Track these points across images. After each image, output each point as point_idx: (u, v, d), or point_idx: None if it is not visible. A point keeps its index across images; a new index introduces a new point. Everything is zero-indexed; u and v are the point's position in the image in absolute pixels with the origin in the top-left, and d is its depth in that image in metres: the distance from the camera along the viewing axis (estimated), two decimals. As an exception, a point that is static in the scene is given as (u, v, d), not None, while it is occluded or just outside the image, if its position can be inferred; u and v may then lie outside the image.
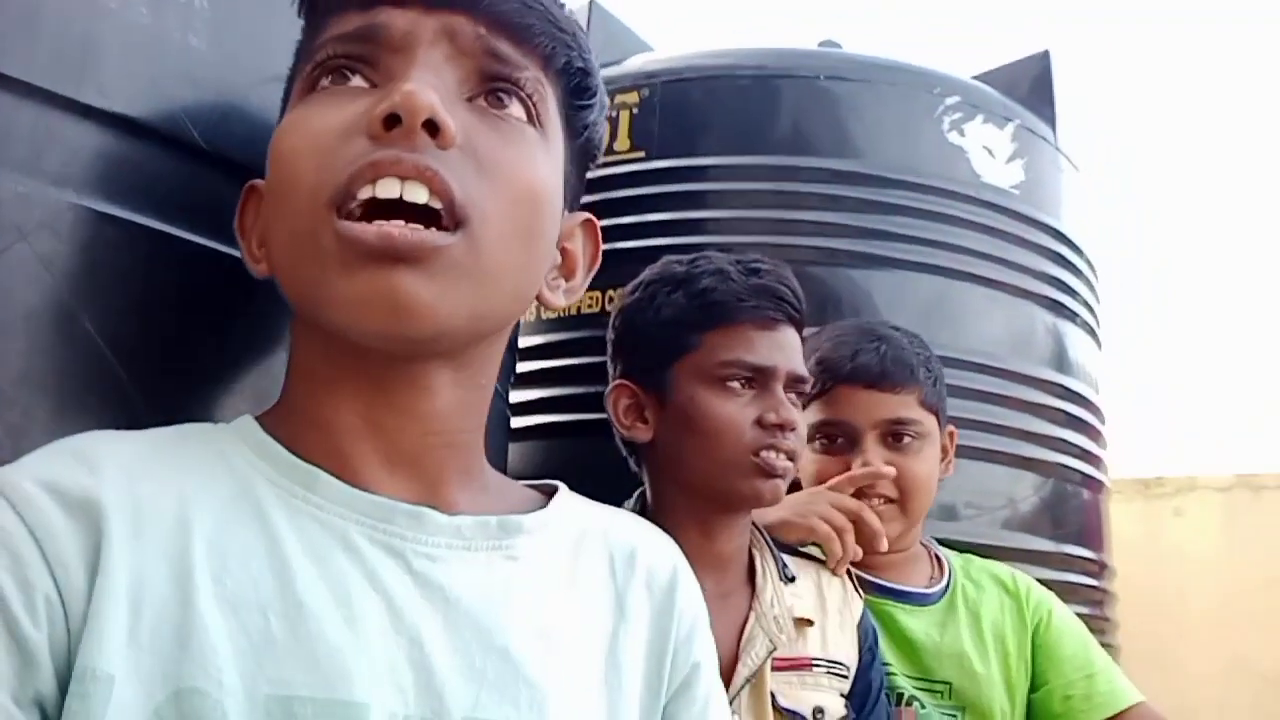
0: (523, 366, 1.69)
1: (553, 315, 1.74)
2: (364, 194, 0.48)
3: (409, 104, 0.47)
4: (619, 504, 1.04)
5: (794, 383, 0.95)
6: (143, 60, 0.61)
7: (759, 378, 0.93)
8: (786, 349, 0.95)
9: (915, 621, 1.15)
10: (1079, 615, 1.30)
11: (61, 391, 0.56)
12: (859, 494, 1.11)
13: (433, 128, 0.48)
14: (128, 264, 0.59)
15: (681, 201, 1.72)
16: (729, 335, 0.93)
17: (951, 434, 1.25)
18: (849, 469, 1.12)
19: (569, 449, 1.58)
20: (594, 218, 0.63)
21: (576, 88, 0.57)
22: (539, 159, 0.54)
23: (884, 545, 1.07)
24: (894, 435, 1.13)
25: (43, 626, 0.42)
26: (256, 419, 0.54)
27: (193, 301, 0.62)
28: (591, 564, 0.58)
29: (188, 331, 0.62)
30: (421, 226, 0.48)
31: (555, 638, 0.53)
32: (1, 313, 0.53)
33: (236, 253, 0.60)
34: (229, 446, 0.52)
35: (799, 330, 0.98)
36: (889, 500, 1.13)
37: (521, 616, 0.52)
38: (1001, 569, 1.25)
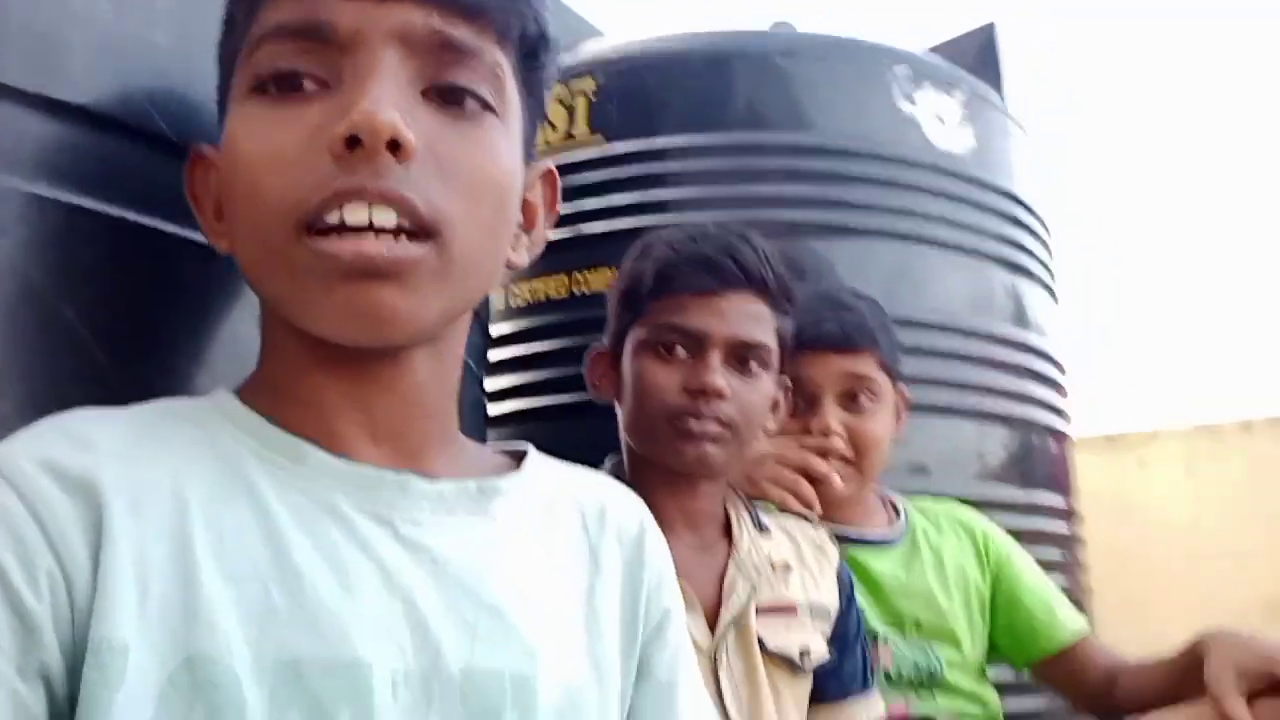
0: (495, 354, 1.72)
1: (520, 303, 1.76)
2: (332, 219, 0.48)
3: (370, 125, 0.47)
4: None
5: (738, 348, 0.95)
6: (110, 57, 0.63)
7: (692, 344, 0.95)
8: (727, 315, 0.95)
9: (881, 564, 1.20)
10: (1049, 560, 1.35)
11: (48, 378, 0.57)
12: (818, 455, 1.15)
13: (394, 145, 0.48)
14: (105, 254, 0.61)
15: (643, 183, 1.74)
16: (669, 302, 0.96)
17: (901, 393, 1.28)
18: (808, 430, 1.16)
19: (543, 432, 1.61)
20: (554, 168, 0.63)
21: (532, 51, 0.57)
22: (500, 148, 0.54)
23: (838, 484, 1.10)
24: (850, 396, 1.17)
25: (45, 600, 0.43)
26: (235, 393, 0.55)
27: (168, 287, 0.64)
28: (565, 521, 0.60)
29: (164, 316, 0.64)
30: (393, 238, 0.48)
31: (537, 591, 0.55)
32: (-13, 305, 0.55)
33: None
34: (212, 422, 0.53)
35: (762, 297, 0.97)
36: (846, 460, 1.17)
37: (504, 573, 0.54)
38: (959, 510, 1.31)
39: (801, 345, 1.17)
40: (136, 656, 0.43)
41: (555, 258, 1.75)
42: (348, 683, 0.46)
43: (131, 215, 0.63)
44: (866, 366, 1.18)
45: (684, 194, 1.76)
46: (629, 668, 0.60)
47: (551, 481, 0.62)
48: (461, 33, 0.52)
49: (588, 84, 1.80)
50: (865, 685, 1.04)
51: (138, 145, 0.64)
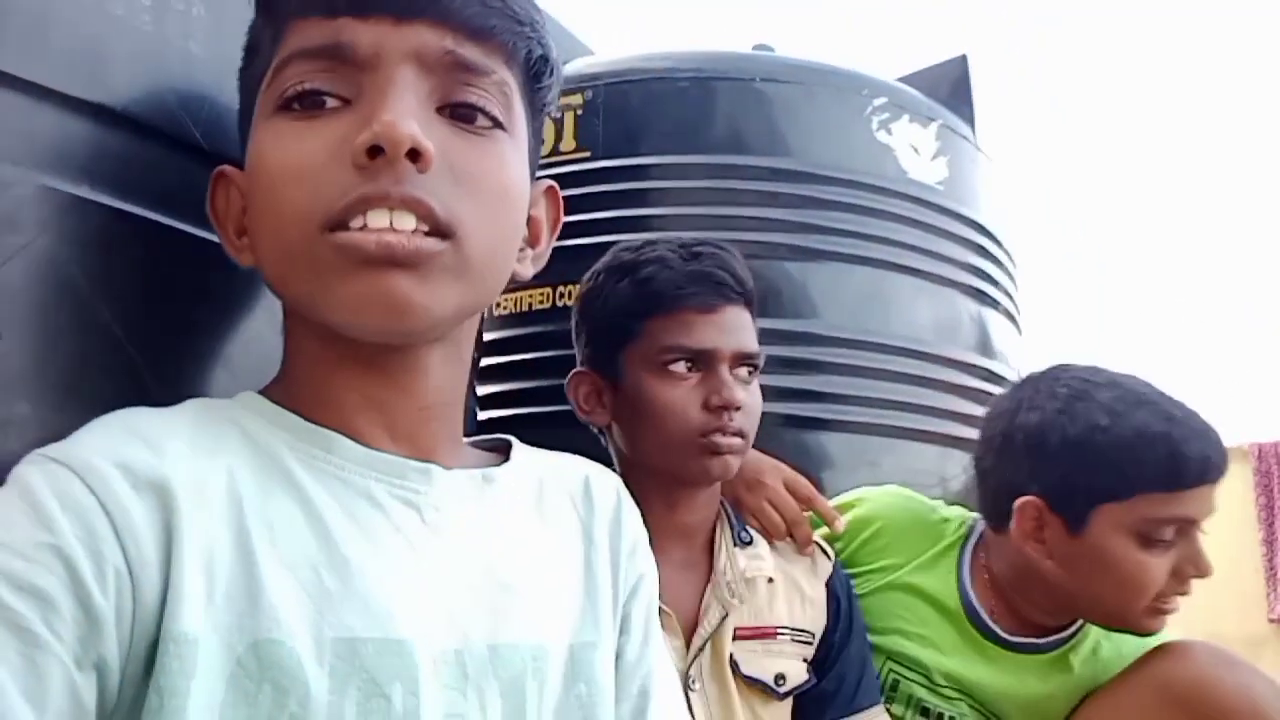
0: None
1: (504, 312, 1.78)
2: (356, 224, 0.51)
3: (391, 136, 0.50)
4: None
5: (741, 360, 0.99)
6: (148, 65, 0.65)
7: (701, 360, 0.97)
8: (728, 330, 0.98)
9: (1001, 667, 1.09)
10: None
11: (83, 375, 0.59)
12: None
13: (414, 154, 0.51)
14: (140, 256, 0.63)
15: (626, 199, 1.78)
16: (669, 321, 0.97)
17: None
18: None
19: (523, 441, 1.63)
20: (555, 184, 0.67)
21: (536, 72, 0.60)
22: (509, 159, 0.57)
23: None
24: None
25: (110, 596, 0.45)
26: (260, 394, 0.58)
27: (197, 289, 0.66)
28: (556, 502, 0.65)
29: (193, 317, 0.66)
30: (411, 231, 0.51)
31: (540, 566, 0.60)
32: (22, 306, 0.56)
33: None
34: (247, 419, 0.55)
35: (748, 308, 1.01)
36: None
37: (512, 554, 0.59)
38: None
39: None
40: (207, 644, 0.46)
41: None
42: (398, 660, 0.50)
43: (165, 219, 0.64)
44: None
45: (664, 211, 1.80)
46: (615, 623, 0.64)
47: (539, 467, 0.66)
48: (472, 53, 0.55)
49: (576, 99, 1.84)
50: (872, 700, 1.02)
51: (173, 152, 0.66)
